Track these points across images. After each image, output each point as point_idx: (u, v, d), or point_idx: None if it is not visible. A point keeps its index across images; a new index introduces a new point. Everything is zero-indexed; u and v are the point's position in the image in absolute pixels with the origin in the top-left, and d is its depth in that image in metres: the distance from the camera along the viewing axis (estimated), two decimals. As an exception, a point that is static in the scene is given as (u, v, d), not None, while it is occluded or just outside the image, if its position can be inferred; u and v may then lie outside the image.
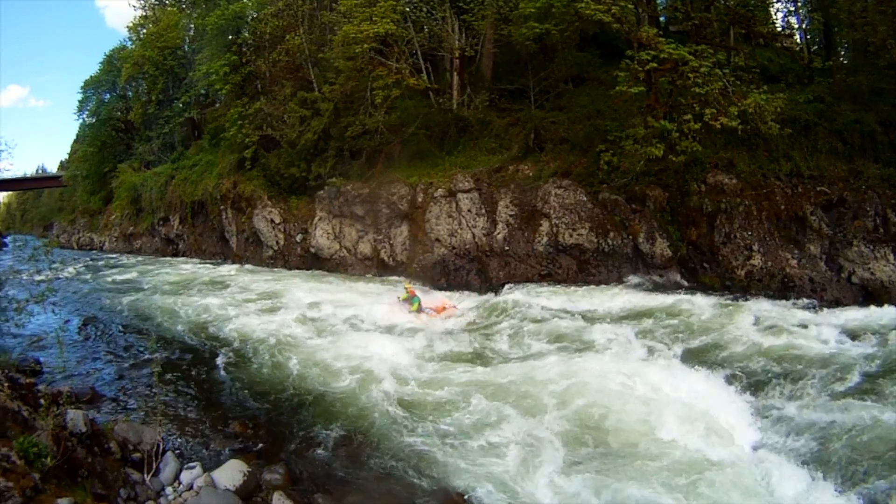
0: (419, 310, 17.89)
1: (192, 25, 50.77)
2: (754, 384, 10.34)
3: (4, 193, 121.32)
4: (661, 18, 24.85)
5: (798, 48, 25.22)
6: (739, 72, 18.60)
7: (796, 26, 24.99)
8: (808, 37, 24.40)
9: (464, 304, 18.72)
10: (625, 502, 7.07)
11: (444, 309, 18.27)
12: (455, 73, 26.59)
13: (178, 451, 8.66)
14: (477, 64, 27.10)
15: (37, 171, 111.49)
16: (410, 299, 18.29)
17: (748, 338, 12.56)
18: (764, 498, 7.12)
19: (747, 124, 17.07)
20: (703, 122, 16.95)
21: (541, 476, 7.73)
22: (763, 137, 17.70)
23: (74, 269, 38.30)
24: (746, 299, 15.74)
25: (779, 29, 25.50)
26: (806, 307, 15.02)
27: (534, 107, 24.84)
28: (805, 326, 13.06)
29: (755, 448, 8.27)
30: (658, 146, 17.41)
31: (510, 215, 21.42)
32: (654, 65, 17.77)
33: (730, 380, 10.39)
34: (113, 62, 61.21)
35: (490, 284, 21.06)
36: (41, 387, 8.49)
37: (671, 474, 7.46)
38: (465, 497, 7.57)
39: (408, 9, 26.56)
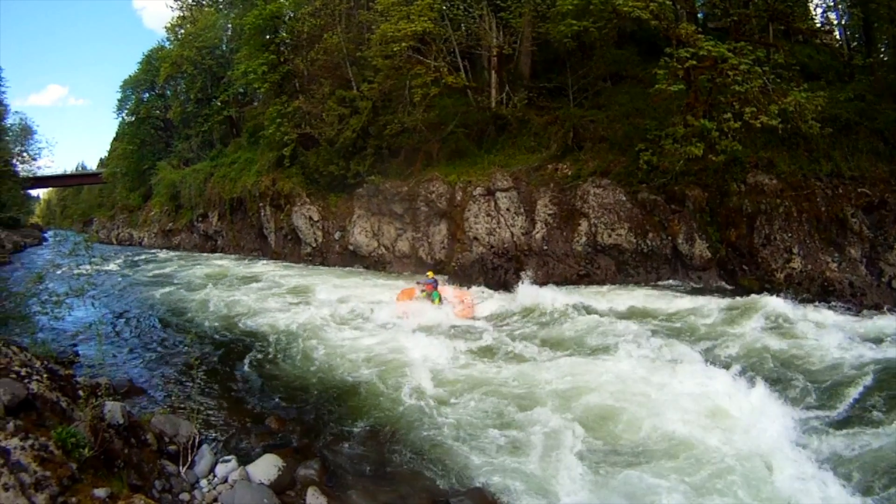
0: (440, 303, 18.16)
1: (229, 25, 51.32)
2: (784, 388, 10.25)
3: (45, 190, 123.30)
4: (700, 15, 24.47)
5: (838, 44, 24.82)
6: (779, 69, 18.39)
7: (836, 22, 24.77)
8: (848, 33, 24.03)
9: (495, 303, 18.73)
10: (653, 501, 7.13)
11: (463, 301, 18.46)
12: (493, 71, 26.60)
13: (213, 445, 8.76)
14: (515, 62, 27.05)
15: (77, 168, 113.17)
16: (430, 294, 18.52)
17: (785, 343, 12.45)
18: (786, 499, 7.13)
19: (787, 123, 16.85)
20: (743, 121, 16.83)
21: (572, 478, 7.75)
22: (803, 137, 17.47)
23: (114, 263, 38.87)
24: (785, 300, 15.27)
25: (818, 25, 25.33)
26: (846, 311, 14.82)
27: (572, 105, 24.78)
28: (842, 331, 12.88)
29: (782, 449, 8.14)
30: (698, 145, 17.31)
31: (549, 214, 21.38)
32: (694, 62, 17.64)
33: (756, 382, 10.01)
34: (151, 62, 62.15)
35: (528, 284, 20.45)
36: (80, 379, 8.59)
37: (701, 474, 7.53)
38: (498, 497, 7.53)
39: (445, 7, 26.56)
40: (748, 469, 7.52)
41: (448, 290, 19.53)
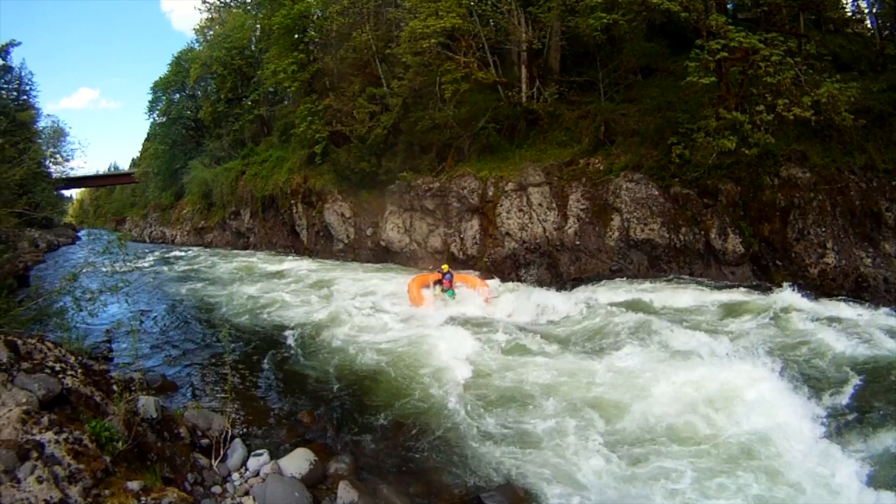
0: (456, 299, 18.65)
1: (258, 25, 51.66)
2: (821, 385, 10.25)
3: (78, 190, 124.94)
4: (729, 6, 24.28)
5: (869, 34, 24.25)
6: (811, 60, 18.05)
7: (867, 10, 24.39)
8: (880, 22, 23.42)
9: (525, 298, 18.57)
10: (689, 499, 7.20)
11: (476, 287, 19.27)
12: (523, 66, 26.53)
13: (245, 439, 8.94)
14: (545, 56, 27.04)
15: (109, 168, 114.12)
16: (446, 291, 18.98)
17: (816, 339, 12.35)
18: (826, 496, 7.18)
19: (820, 115, 16.52)
20: (775, 113, 16.58)
21: (599, 472, 7.86)
22: (837, 129, 17.16)
23: (147, 261, 39.51)
24: (816, 299, 15.34)
25: (849, 14, 25.04)
26: (880, 307, 14.63)
27: (603, 99, 24.67)
28: (877, 328, 12.86)
29: (819, 446, 8.18)
30: (730, 138, 17.10)
31: (581, 209, 21.34)
32: (725, 54, 17.39)
33: (796, 379, 10.25)
34: (181, 63, 62.70)
35: (560, 279, 21.03)
36: (114, 374, 8.76)
37: (740, 471, 7.58)
38: (529, 492, 7.60)
39: (473, 2, 26.56)
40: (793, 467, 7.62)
41: (462, 281, 20.14)
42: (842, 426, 8.72)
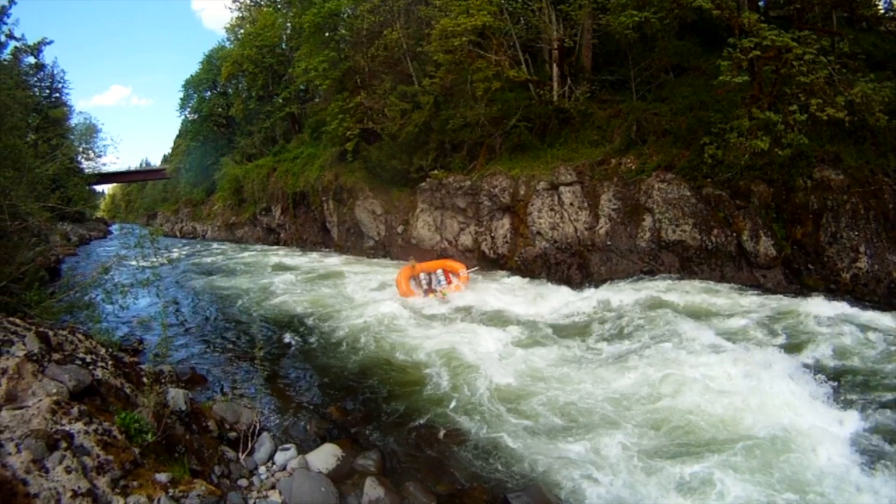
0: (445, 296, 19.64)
1: (288, 24, 52.07)
2: (853, 395, 9.99)
3: (110, 185, 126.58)
4: (761, 3, 24.02)
5: None
6: (844, 59, 17.79)
7: (901, 8, 24.21)
8: None
9: (559, 298, 18.77)
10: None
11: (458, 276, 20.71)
12: (554, 65, 26.53)
13: (273, 433, 8.97)
14: (576, 55, 26.87)
15: (141, 164, 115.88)
16: (441, 293, 20.01)
17: (850, 346, 12.14)
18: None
19: (854, 115, 16.31)
20: (808, 114, 16.37)
21: (631, 471, 7.81)
22: (870, 130, 16.89)
23: (177, 255, 40.11)
24: (849, 305, 14.82)
25: (882, 11, 24.74)
26: None
27: (635, 98, 24.54)
28: None
29: (847, 452, 8.06)
30: (764, 139, 16.92)
31: (613, 209, 21.27)
32: (758, 52, 17.23)
33: (826, 386, 9.97)
34: (212, 61, 63.63)
35: (591, 279, 20.97)
36: (144, 366, 8.88)
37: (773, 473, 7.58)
38: (557, 493, 7.53)
39: (503, 0, 26.47)
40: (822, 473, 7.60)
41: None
42: (872, 438, 8.51)
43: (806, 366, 10.97)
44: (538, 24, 26.66)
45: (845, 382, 10.49)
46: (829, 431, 8.47)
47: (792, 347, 12.35)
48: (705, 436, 8.63)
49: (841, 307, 14.62)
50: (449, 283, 21.39)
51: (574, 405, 10.02)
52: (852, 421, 8.92)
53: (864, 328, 13.14)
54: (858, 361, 11.51)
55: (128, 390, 7.05)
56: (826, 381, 10.08)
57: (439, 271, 22.09)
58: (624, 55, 25.78)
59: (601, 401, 10.06)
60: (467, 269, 22.43)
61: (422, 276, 21.85)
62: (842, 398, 9.79)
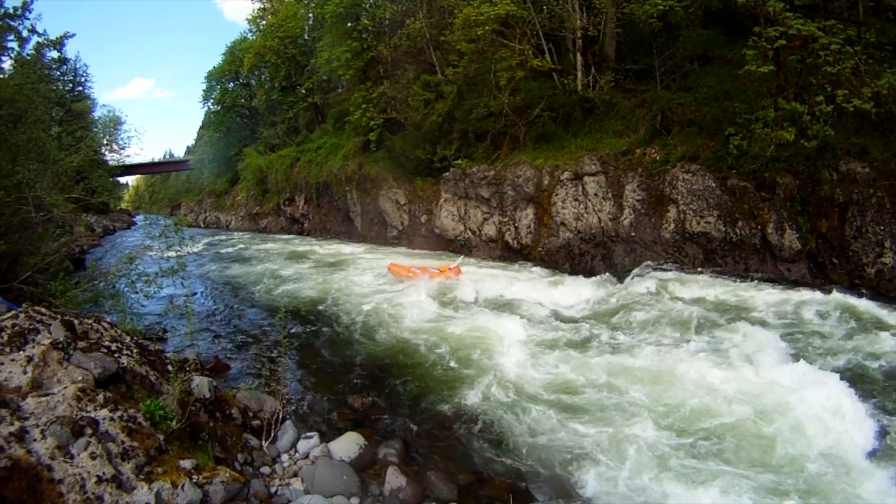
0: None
1: (311, 14, 52.15)
2: (884, 396, 9.77)
3: (134, 177, 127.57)
4: (787, -9, 23.91)
5: None
6: (871, 49, 17.45)
7: (929, -2, 23.75)
8: None
9: (587, 290, 18.56)
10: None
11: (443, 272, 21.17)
12: (578, 54, 26.38)
13: (296, 421, 9.03)
14: (600, 44, 26.66)
15: (164, 156, 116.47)
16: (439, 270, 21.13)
17: (879, 344, 11.87)
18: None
19: (881, 107, 15.96)
20: (834, 105, 16.08)
21: (650, 466, 7.71)
22: None
23: (201, 245, 40.39)
24: (875, 301, 14.55)
25: (909, 1, 24.38)
26: None
27: (659, 87, 24.26)
28: None
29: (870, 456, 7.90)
30: (789, 130, 16.60)
31: (637, 200, 21.14)
32: (783, 42, 16.94)
33: (857, 387, 9.55)
34: (235, 53, 63.80)
35: (615, 270, 20.80)
36: (168, 354, 8.88)
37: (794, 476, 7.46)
38: (578, 489, 7.50)
39: (527, -11, 26.45)
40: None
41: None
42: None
43: (835, 366, 10.85)
44: (561, 13, 26.53)
45: (879, 387, 10.24)
46: (861, 442, 8.24)
47: (818, 344, 12.29)
48: (732, 435, 8.48)
49: (868, 303, 14.37)
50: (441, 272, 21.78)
51: (596, 397, 10.01)
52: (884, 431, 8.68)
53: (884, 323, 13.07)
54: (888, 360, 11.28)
55: (153, 378, 7.14)
56: (856, 384, 9.76)
57: (432, 268, 22.58)
58: (648, 44, 25.51)
59: (624, 394, 10.02)
60: (454, 262, 22.90)
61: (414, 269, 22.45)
62: (876, 402, 9.51)
